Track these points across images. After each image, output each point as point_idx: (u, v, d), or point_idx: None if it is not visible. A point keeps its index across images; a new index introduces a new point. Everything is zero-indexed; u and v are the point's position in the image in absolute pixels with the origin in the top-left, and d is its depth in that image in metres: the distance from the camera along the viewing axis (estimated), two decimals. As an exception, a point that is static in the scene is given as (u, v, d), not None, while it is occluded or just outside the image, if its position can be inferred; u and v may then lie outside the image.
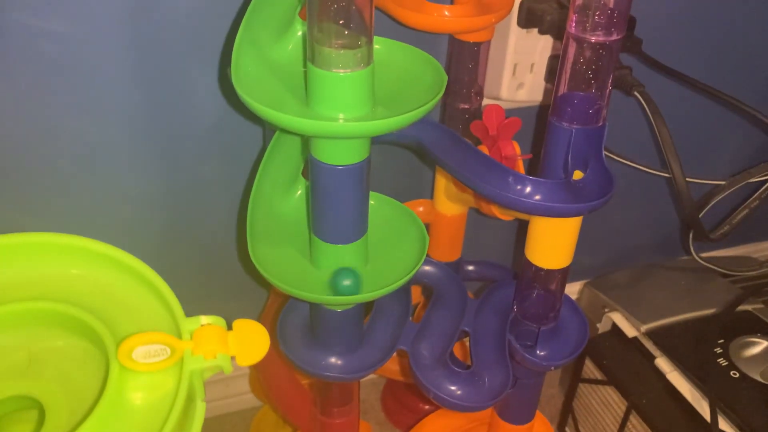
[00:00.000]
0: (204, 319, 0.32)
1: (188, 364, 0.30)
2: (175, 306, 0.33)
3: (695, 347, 0.74)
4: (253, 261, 0.48)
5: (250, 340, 0.31)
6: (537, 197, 0.46)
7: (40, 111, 0.59)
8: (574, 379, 0.82)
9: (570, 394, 0.84)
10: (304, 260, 0.50)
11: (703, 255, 0.87)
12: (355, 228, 0.47)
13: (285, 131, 0.50)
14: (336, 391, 0.58)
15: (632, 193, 0.90)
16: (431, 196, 0.76)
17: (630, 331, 0.78)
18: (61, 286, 0.34)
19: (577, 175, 0.51)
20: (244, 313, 0.83)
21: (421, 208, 0.77)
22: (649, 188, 0.90)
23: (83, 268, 0.36)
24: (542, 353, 0.59)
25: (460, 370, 0.56)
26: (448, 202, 0.73)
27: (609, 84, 0.48)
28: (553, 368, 0.59)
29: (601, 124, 0.49)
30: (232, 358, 0.31)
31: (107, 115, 0.61)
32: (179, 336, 0.31)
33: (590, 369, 0.80)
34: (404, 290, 0.62)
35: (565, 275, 0.57)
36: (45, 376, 0.32)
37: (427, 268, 0.64)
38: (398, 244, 0.52)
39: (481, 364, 0.58)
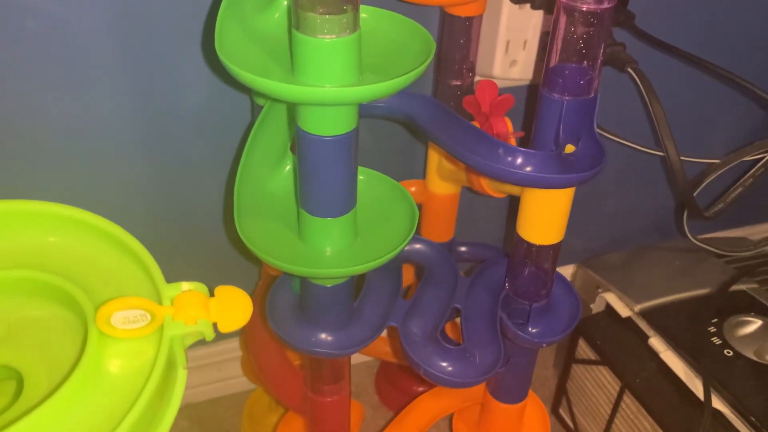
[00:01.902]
0: (185, 285, 0.32)
1: (168, 330, 0.29)
2: (156, 272, 0.33)
3: (689, 326, 0.74)
4: (240, 235, 0.47)
5: (233, 307, 0.31)
6: (528, 168, 0.46)
7: (23, 89, 0.58)
8: (567, 359, 0.82)
9: (564, 375, 0.84)
10: (293, 235, 0.50)
11: (698, 237, 0.87)
12: (344, 201, 0.47)
13: (273, 100, 0.49)
14: (326, 369, 0.57)
15: (626, 173, 0.89)
16: (423, 176, 0.75)
17: (624, 311, 0.77)
18: (39, 254, 0.34)
19: (569, 149, 0.50)
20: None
21: (413, 188, 0.76)
22: (643, 169, 0.89)
23: (60, 235, 0.35)
24: (534, 330, 0.59)
25: (450, 346, 0.55)
26: (441, 182, 0.72)
27: (601, 54, 0.48)
28: (545, 345, 0.59)
29: (592, 95, 0.49)
30: (214, 325, 0.31)
31: (92, 95, 0.60)
32: (159, 302, 0.30)
33: (584, 349, 0.79)
34: (395, 268, 0.61)
35: (557, 252, 0.57)
36: (24, 346, 0.31)
37: (418, 246, 0.63)
38: (388, 219, 0.51)
39: (473, 341, 0.57)
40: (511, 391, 0.66)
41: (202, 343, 0.87)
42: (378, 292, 0.58)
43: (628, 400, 0.73)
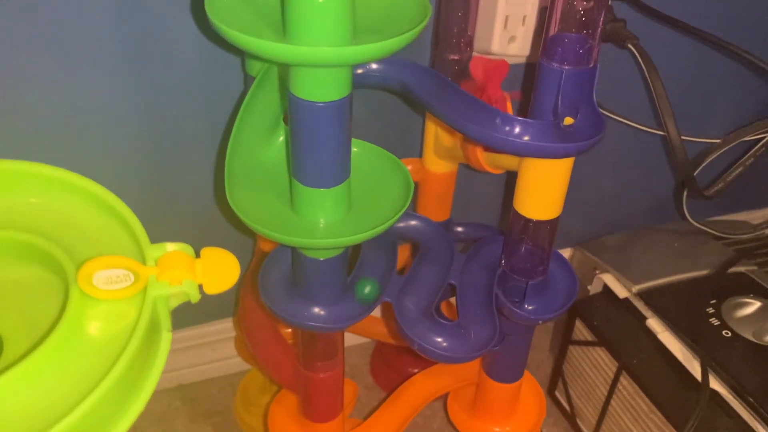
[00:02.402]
0: (170, 246, 0.31)
1: (152, 290, 0.28)
2: (140, 233, 0.31)
3: (687, 308, 0.73)
4: (231, 204, 0.46)
5: (219, 268, 0.30)
6: (525, 138, 0.45)
7: (13, 57, 0.57)
8: (564, 341, 0.81)
9: (560, 357, 0.83)
10: (285, 207, 0.49)
11: (698, 219, 0.86)
12: (337, 172, 0.46)
13: (266, 62, 0.48)
14: (319, 345, 0.56)
15: (626, 154, 0.88)
16: (420, 155, 0.74)
17: (621, 292, 0.76)
18: (20, 215, 0.33)
19: (568, 121, 0.49)
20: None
21: (410, 167, 0.75)
22: (643, 149, 0.88)
23: (42, 196, 0.34)
24: (530, 307, 0.58)
25: (445, 322, 0.54)
26: (438, 160, 0.71)
27: (600, 23, 0.46)
28: (541, 322, 0.58)
29: (592, 65, 0.47)
30: (200, 287, 0.30)
31: (83, 63, 0.59)
32: (144, 263, 0.29)
33: (581, 330, 0.79)
34: (390, 243, 0.60)
35: (554, 228, 0.56)
36: (4, 308, 0.30)
37: (413, 222, 0.62)
38: (382, 191, 0.50)
39: (467, 317, 0.56)
40: (506, 370, 0.65)
41: (195, 322, 0.87)
42: (372, 268, 0.57)
43: (624, 381, 0.72)
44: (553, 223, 0.55)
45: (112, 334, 0.27)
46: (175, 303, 0.29)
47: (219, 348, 0.89)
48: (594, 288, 0.81)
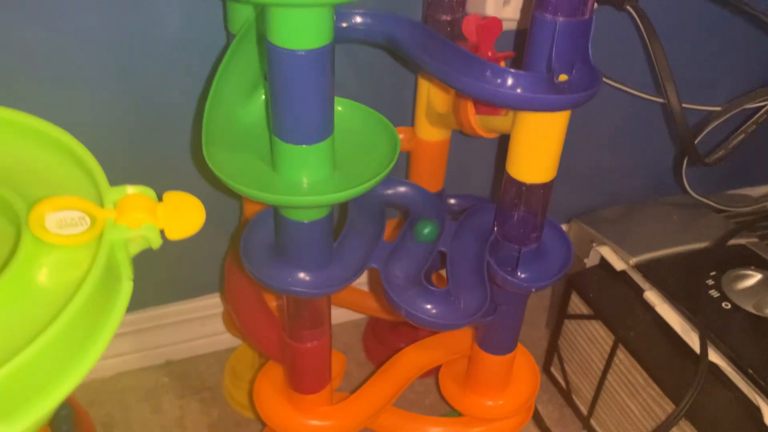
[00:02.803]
0: (130, 189, 0.28)
1: (110, 233, 0.26)
2: (99, 175, 0.29)
3: (686, 280, 0.71)
4: (208, 162, 0.44)
5: (183, 212, 0.27)
6: (518, 89, 0.43)
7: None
8: (559, 315, 0.80)
9: (555, 332, 0.81)
10: (266, 167, 0.47)
11: (698, 193, 0.84)
12: (319, 127, 0.43)
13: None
14: (305, 313, 0.54)
15: (624, 124, 0.86)
16: (412, 124, 0.72)
17: (618, 265, 0.74)
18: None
19: (562, 78, 0.47)
20: (215, 241, 0.79)
21: (401, 136, 0.73)
22: (641, 119, 0.86)
23: (-7, 138, 0.32)
24: (523, 275, 0.56)
25: (434, 288, 0.52)
26: (430, 127, 0.69)
27: (597, -29, 0.44)
28: (534, 290, 0.56)
29: (587, 17, 0.45)
30: (162, 232, 0.28)
31: (62, 26, 0.57)
32: (102, 207, 0.27)
33: (576, 304, 0.77)
34: (377, 211, 0.58)
35: (548, 192, 0.54)
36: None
37: (402, 189, 0.60)
38: (369, 150, 0.48)
39: (458, 285, 0.55)
40: (499, 341, 0.63)
41: (183, 297, 0.85)
42: (359, 234, 0.55)
43: (621, 354, 0.71)
44: (546, 187, 0.53)
45: (65, 284, 0.25)
46: (135, 249, 0.27)
47: (207, 323, 0.87)
48: (590, 261, 0.79)
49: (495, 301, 0.60)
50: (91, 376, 0.84)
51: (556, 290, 0.88)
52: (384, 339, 0.88)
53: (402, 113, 0.77)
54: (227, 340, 0.89)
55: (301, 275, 0.50)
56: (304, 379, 0.59)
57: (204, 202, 0.75)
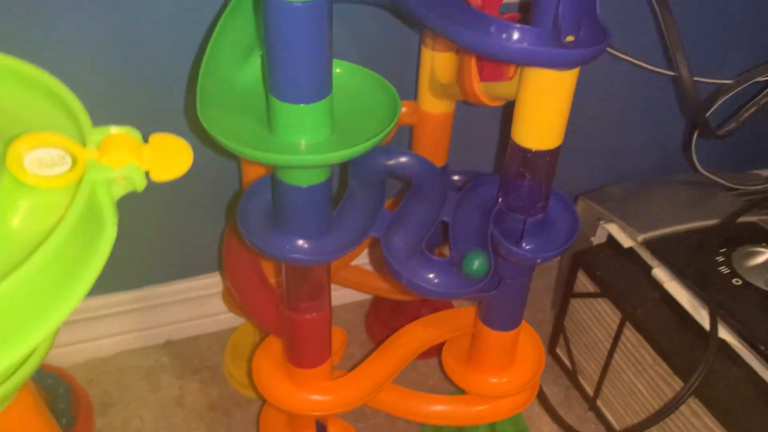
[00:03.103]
0: (114, 129, 0.27)
1: (91, 172, 0.25)
2: (81, 114, 0.27)
3: (695, 257, 0.69)
4: (203, 122, 0.43)
5: (169, 154, 0.26)
6: (524, 44, 0.41)
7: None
8: (565, 294, 0.78)
9: (561, 312, 0.80)
10: (262, 129, 0.45)
11: (707, 170, 0.82)
12: (317, 84, 0.42)
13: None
14: (304, 283, 0.53)
15: (632, 99, 0.84)
16: (415, 97, 0.71)
17: (626, 242, 0.73)
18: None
19: (569, 39, 0.45)
20: (214, 218, 0.78)
21: (404, 109, 0.72)
22: (650, 93, 0.84)
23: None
24: (528, 246, 0.54)
25: (436, 258, 0.51)
26: (434, 99, 0.67)
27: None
28: (540, 261, 0.54)
29: (595, -28, 0.43)
30: (147, 175, 0.26)
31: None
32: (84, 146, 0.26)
33: (583, 282, 0.75)
34: (378, 182, 0.57)
35: (554, 160, 0.52)
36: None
37: (404, 159, 0.59)
38: (369, 112, 0.47)
39: (460, 255, 0.53)
40: (503, 317, 0.62)
41: (183, 276, 0.84)
42: (359, 204, 0.54)
43: (628, 332, 0.69)
44: (553, 155, 0.52)
45: (44, 230, 0.23)
46: (119, 192, 0.26)
47: (207, 303, 0.86)
48: (597, 239, 0.77)
49: (499, 273, 0.59)
50: (90, 356, 0.83)
51: (561, 268, 0.86)
52: (386, 319, 0.86)
53: (405, 87, 0.75)
54: (228, 320, 0.88)
55: (300, 242, 0.49)
56: (304, 352, 0.58)
57: (202, 177, 0.74)
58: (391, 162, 0.59)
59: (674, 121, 0.87)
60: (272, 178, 0.48)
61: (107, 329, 0.83)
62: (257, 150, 0.41)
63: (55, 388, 0.76)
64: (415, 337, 0.66)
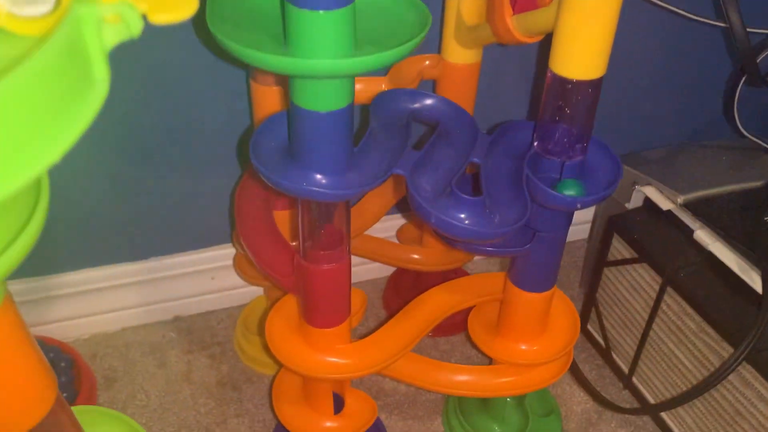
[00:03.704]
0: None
1: (77, 5, 0.20)
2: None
3: (741, 218, 0.65)
4: (213, 31, 0.38)
5: (170, -6, 0.22)
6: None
7: None
8: (598, 263, 0.73)
9: (593, 283, 0.75)
10: (276, 44, 0.41)
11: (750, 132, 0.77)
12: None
13: None
14: (322, 230, 0.49)
15: (672, 55, 0.79)
16: (438, 50, 0.66)
17: (665, 204, 0.68)
18: None
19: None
20: (225, 184, 0.74)
21: (427, 62, 0.67)
22: (691, 50, 0.78)
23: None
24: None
25: (468, 197, 0.46)
26: (459, 49, 0.63)
27: None
28: (579, 206, 0.50)
29: None
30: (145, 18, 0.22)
31: None
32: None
33: (618, 249, 0.70)
34: (402, 126, 0.52)
35: (596, 92, 0.48)
36: None
37: (429, 101, 0.55)
38: (396, 29, 0.42)
39: (493, 199, 0.49)
40: (536, 276, 0.57)
41: (193, 248, 0.80)
42: (380, 144, 0.49)
43: (669, 299, 0.64)
44: (595, 86, 0.47)
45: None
46: (112, 38, 0.21)
47: (218, 277, 0.82)
48: (633, 204, 0.72)
49: (532, 227, 0.54)
50: (94, 330, 0.79)
51: (593, 238, 0.81)
52: (405, 295, 0.82)
53: (427, 41, 0.70)
54: (239, 295, 0.84)
55: (318, 176, 0.44)
56: (321, 309, 0.53)
57: (213, 135, 0.70)
58: (416, 105, 0.55)
59: (715, 80, 0.82)
60: (290, 107, 0.44)
61: (112, 303, 0.79)
62: (276, 56, 0.37)
63: (56, 362, 0.72)
64: (438, 301, 0.62)
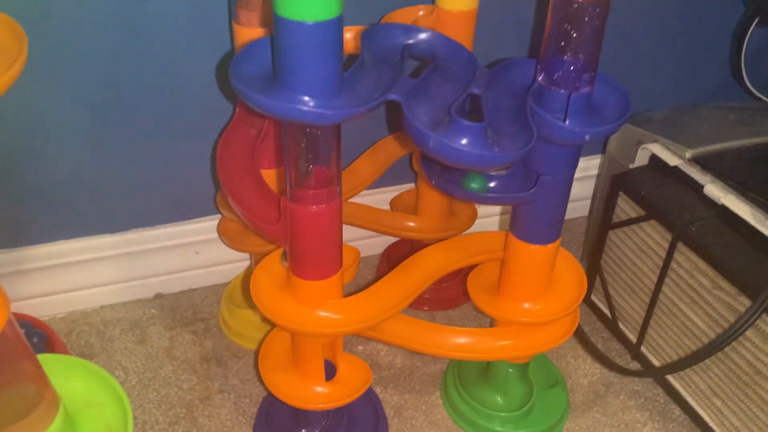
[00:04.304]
0: None
1: None
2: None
3: (753, 171, 0.61)
4: None
5: None
6: None
7: None
8: (602, 227, 0.69)
9: (597, 248, 0.71)
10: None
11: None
12: None
13: None
14: (311, 166, 0.45)
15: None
16: (432, 1, 0.63)
17: (672, 160, 0.64)
18: None
19: None
20: (210, 151, 0.70)
21: (420, 12, 0.64)
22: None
23: None
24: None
25: (468, 122, 0.42)
26: (455, -6, 0.60)
27: None
28: (588, 138, 0.46)
29: None
30: None
31: None
32: None
33: (623, 209, 0.67)
34: (394, 61, 0.49)
35: (603, 12, 0.45)
36: None
37: (424, 35, 0.51)
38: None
39: (495, 129, 0.45)
40: (540, 226, 0.53)
41: (175, 219, 0.75)
42: (372, 73, 0.46)
43: (680, 257, 0.60)
44: (603, 5, 0.44)
45: None
46: None
47: (203, 252, 0.77)
48: (638, 165, 0.69)
49: (536, 170, 0.51)
50: (69, 308, 0.75)
51: (596, 202, 0.76)
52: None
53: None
54: (225, 272, 0.79)
55: (305, 98, 0.41)
56: (310, 259, 0.49)
57: (194, 96, 0.66)
58: (410, 40, 0.51)
59: (723, 32, 0.79)
60: (273, 21, 0.40)
61: (89, 278, 0.74)
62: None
63: (28, 338, 0.67)
64: (436, 258, 0.58)
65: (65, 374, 0.42)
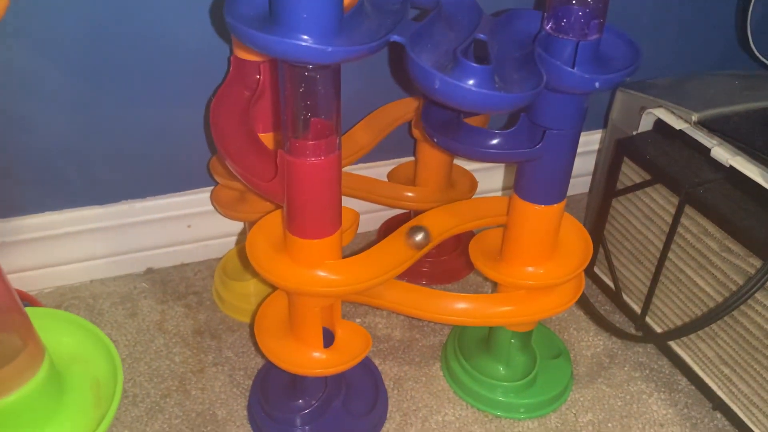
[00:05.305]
0: None
1: None
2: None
3: (761, 133, 0.60)
4: None
5: None
6: None
7: None
8: (606, 193, 0.68)
9: (600, 218, 0.69)
10: None
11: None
12: None
13: None
14: (309, 115, 0.43)
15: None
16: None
17: (677, 124, 0.63)
18: None
19: None
20: (203, 119, 0.68)
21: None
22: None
23: None
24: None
25: (475, 64, 0.41)
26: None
27: None
28: (598, 86, 0.44)
29: None
30: None
31: None
32: None
33: (628, 175, 0.65)
34: (396, 9, 0.47)
35: (614, -45, 0.43)
36: None
37: (427, -15, 0.49)
38: None
39: (501, 74, 0.43)
40: (545, 185, 0.52)
41: (167, 191, 0.73)
42: (372, 16, 0.44)
43: (687, 221, 0.59)
44: (613, -55, 0.42)
45: None
46: None
47: (196, 225, 0.75)
48: (642, 130, 0.67)
49: (542, 124, 0.49)
50: (58, 282, 0.72)
51: (599, 170, 0.74)
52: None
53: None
54: (218, 246, 0.77)
55: (304, 37, 0.39)
56: (309, 215, 0.47)
57: (188, 60, 0.64)
58: (410, -11, 0.49)
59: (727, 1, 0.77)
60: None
61: (78, 252, 0.72)
62: None
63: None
64: (437, 221, 0.56)
65: (54, 329, 0.40)
